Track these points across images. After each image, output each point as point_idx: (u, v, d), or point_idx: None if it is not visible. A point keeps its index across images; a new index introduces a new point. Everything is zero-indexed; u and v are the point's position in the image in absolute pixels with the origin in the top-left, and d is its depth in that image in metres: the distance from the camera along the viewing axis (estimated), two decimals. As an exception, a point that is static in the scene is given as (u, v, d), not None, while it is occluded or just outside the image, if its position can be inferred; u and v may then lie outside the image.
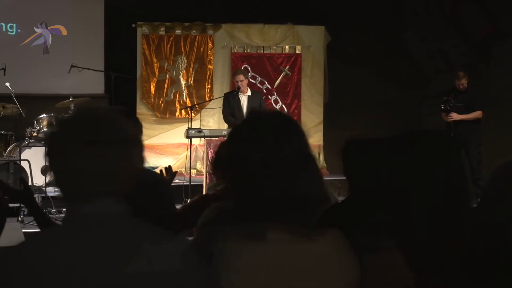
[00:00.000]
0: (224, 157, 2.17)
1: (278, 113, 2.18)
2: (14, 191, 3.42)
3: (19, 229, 8.28)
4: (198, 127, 11.44)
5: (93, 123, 1.79)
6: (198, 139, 12.42)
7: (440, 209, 1.82)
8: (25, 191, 3.32)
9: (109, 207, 1.75)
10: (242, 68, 12.51)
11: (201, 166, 12.14)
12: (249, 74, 12.39)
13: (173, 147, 12.57)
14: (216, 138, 10.14)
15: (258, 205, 1.97)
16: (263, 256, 1.95)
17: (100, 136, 1.75)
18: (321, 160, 12.80)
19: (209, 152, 9.82)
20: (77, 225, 1.73)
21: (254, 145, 1.98)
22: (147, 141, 12.50)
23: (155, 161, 12.50)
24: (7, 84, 10.25)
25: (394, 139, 2.10)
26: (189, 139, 10.64)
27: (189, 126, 10.61)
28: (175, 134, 12.60)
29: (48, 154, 1.81)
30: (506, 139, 11.58)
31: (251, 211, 1.98)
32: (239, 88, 10.54)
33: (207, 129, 10.52)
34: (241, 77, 10.62)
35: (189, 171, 10.86)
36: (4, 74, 10.60)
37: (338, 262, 2.02)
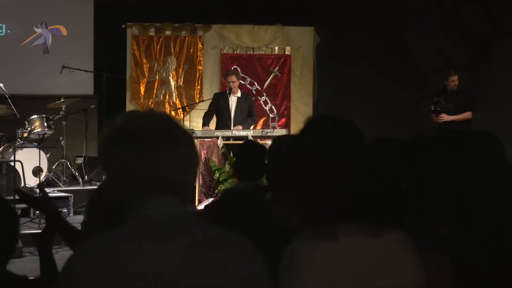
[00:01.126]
0: (285, 162, 2.17)
1: (341, 118, 2.20)
2: (34, 199, 3.43)
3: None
4: (189, 128, 11.42)
5: (156, 125, 1.80)
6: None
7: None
8: (43, 198, 3.32)
9: (173, 207, 1.77)
10: (232, 69, 12.53)
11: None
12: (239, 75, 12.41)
13: (163, 148, 12.54)
14: (209, 139, 10.12)
15: (327, 206, 2.00)
16: (335, 255, 1.98)
17: (164, 138, 1.78)
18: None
19: (202, 153, 9.80)
20: (145, 225, 1.74)
21: (320, 149, 2.00)
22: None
23: (144, 162, 12.48)
24: (1, 85, 10.19)
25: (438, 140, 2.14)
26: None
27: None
28: (165, 135, 12.57)
29: (105, 158, 1.82)
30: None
31: (320, 213, 2.00)
32: (230, 89, 10.53)
33: (199, 130, 10.51)
34: (234, 78, 10.61)
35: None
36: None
37: (404, 262, 2.05)
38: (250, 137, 9.77)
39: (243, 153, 4.02)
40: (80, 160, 11.40)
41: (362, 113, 12.39)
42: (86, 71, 11.78)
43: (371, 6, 12.43)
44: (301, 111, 13.03)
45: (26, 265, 7.90)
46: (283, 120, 12.82)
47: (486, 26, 11.70)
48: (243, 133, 10.04)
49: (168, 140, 1.78)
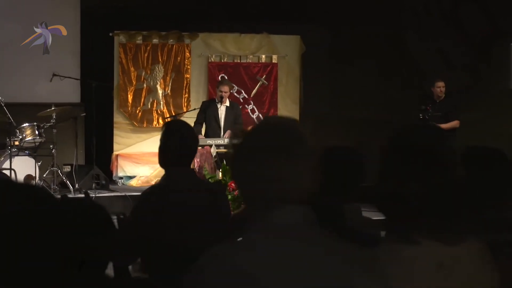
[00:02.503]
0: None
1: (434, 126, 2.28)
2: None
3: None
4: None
5: (285, 132, 1.85)
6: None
7: None
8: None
9: (299, 216, 1.82)
10: (220, 77, 12.59)
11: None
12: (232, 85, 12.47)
13: (150, 156, 12.52)
14: (201, 148, 10.14)
15: (407, 215, 2.07)
16: (416, 260, 2.05)
17: (291, 144, 1.83)
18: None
19: (195, 161, 9.83)
20: (273, 234, 1.79)
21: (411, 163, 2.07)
22: (123, 150, 12.49)
23: (132, 170, 12.49)
24: (-4, 93, 10.17)
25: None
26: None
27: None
28: (152, 143, 12.55)
29: (235, 164, 1.87)
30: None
31: (401, 221, 2.08)
32: (221, 98, 10.58)
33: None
34: (227, 88, 10.68)
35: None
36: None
37: (482, 268, 2.13)
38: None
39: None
40: (67, 168, 11.34)
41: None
42: (76, 79, 11.77)
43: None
44: (287, 120, 13.09)
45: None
46: (270, 128, 12.85)
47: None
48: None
49: (298, 151, 1.83)
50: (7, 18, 12.00)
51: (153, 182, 12.25)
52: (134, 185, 12.20)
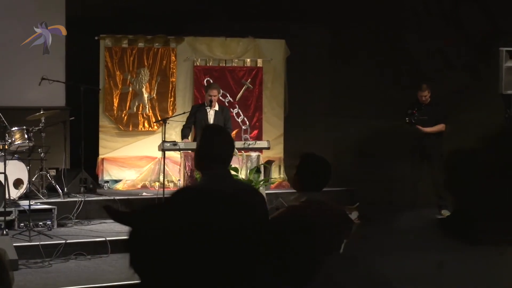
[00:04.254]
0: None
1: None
2: (119, 213, 3.48)
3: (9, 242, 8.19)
4: (162, 140, 11.36)
5: None
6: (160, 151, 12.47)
7: None
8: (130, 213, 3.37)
9: (416, 220, 1.89)
10: (205, 81, 12.64)
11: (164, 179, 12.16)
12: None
13: (136, 160, 12.55)
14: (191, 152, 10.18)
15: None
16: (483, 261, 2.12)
17: None
18: (281, 173, 13.03)
19: (187, 165, 9.88)
20: (398, 236, 1.86)
21: None
22: (109, 153, 12.47)
23: (117, 173, 12.48)
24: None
25: None
26: (162, 152, 10.60)
27: (163, 139, 10.61)
28: (138, 147, 12.59)
29: None
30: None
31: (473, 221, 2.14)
32: (211, 101, 10.65)
33: (182, 142, 10.57)
34: (215, 92, 10.76)
35: (162, 184, 10.86)
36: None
37: None
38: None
39: (305, 165, 4.17)
40: (53, 172, 11.29)
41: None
42: (65, 83, 11.73)
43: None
44: (272, 123, 13.21)
45: (22, 278, 7.85)
46: (255, 132, 12.95)
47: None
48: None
49: None
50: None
51: (139, 186, 12.28)
52: (120, 189, 12.19)
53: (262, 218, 3.82)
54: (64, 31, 11.82)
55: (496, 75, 11.47)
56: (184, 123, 11.69)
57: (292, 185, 4.25)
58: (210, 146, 3.79)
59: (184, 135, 10.91)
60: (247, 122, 12.91)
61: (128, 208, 3.48)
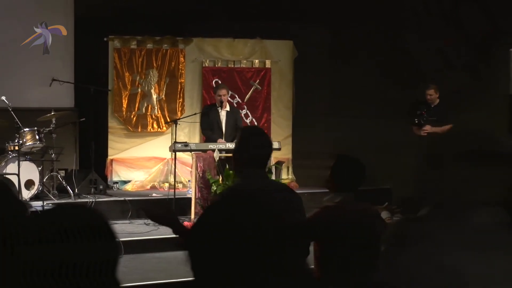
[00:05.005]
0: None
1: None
2: (159, 215, 3.51)
3: None
4: (174, 141, 11.38)
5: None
6: (171, 152, 12.48)
7: None
8: (169, 214, 3.41)
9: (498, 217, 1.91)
10: (213, 82, 12.67)
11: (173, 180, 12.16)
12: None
13: (145, 161, 12.57)
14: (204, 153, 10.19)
15: None
16: None
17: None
18: (290, 173, 13.07)
19: (198, 166, 9.89)
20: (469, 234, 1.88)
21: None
22: (118, 154, 12.48)
23: (126, 174, 12.49)
24: (3, 97, 10.11)
25: None
26: (174, 153, 10.60)
27: (174, 140, 10.62)
28: (146, 148, 12.61)
29: None
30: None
31: None
32: (221, 102, 10.65)
33: (194, 143, 10.59)
34: (224, 91, 10.75)
35: (173, 184, 10.85)
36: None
37: None
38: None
39: (340, 166, 4.22)
40: (62, 173, 11.32)
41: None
42: (75, 84, 11.75)
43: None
44: (279, 124, 13.23)
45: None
46: (264, 133, 12.95)
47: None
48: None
49: None
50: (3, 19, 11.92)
51: (148, 187, 12.30)
52: (129, 189, 12.21)
53: (301, 216, 3.87)
54: (64, 31, 11.86)
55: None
56: (190, 123, 11.80)
57: (326, 185, 4.28)
58: (247, 147, 3.81)
59: (209, 137, 10.68)
60: (256, 123, 12.93)
61: (163, 210, 3.50)
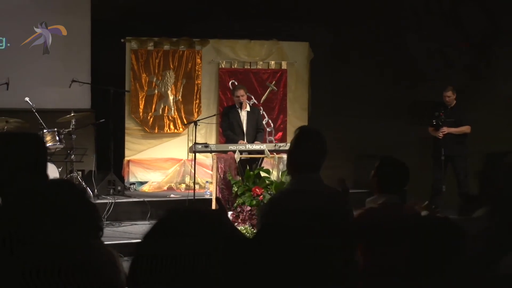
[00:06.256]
0: None
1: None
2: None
3: None
4: (194, 142, 11.35)
5: None
6: (187, 153, 12.50)
7: None
8: (221, 210, 3.43)
9: None
10: (230, 83, 12.69)
11: (189, 181, 12.18)
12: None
13: (161, 162, 12.58)
14: (225, 154, 10.19)
15: None
16: None
17: None
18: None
19: (219, 167, 9.89)
20: None
21: None
22: (135, 155, 12.50)
23: (143, 175, 12.51)
24: (27, 99, 10.14)
25: None
26: (194, 154, 10.59)
27: (194, 141, 10.62)
28: (163, 149, 12.62)
29: None
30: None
31: None
32: (241, 103, 10.66)
33: (214, 144, 10.61)
34: (242, 92, 10.74)
35: (193, 185, 10.87)
36: (7, 89, 10.49)
37: None
38: (266, 152, 9.92)
39: (384, 167, 4.22)
40: (80, 174, 11.32)
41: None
42: (93, 85, 11.77)
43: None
44: (295, 126, 13.15)
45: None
46: (280, 134, 13.01)
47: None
48: (256, 147, 10.20)
49: None
50: (12, 22, 11.95)
51: (165, 188, 12.32)
52: (146, 190, 12.23)
53: (350, 218, 3.87)
54: (64, 31, 11.87)
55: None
56: (207, 124, 11.83)
57: (370, 186, 4.29)
58: (300, 150, 3.81)
59: (231, 139, 10.66)
60: (272, 124, 12.95)
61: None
